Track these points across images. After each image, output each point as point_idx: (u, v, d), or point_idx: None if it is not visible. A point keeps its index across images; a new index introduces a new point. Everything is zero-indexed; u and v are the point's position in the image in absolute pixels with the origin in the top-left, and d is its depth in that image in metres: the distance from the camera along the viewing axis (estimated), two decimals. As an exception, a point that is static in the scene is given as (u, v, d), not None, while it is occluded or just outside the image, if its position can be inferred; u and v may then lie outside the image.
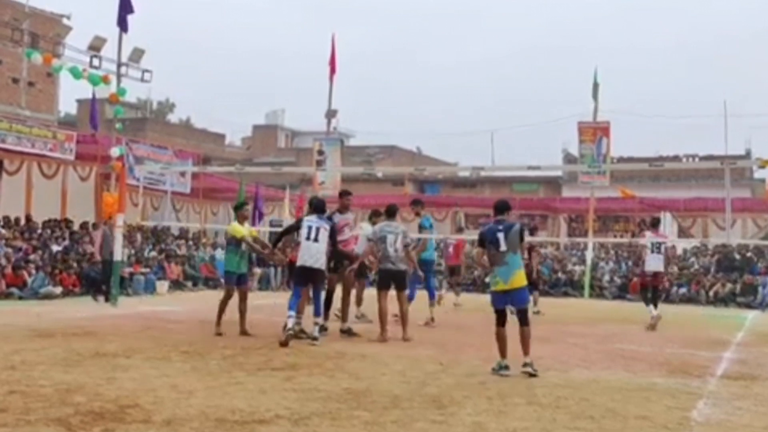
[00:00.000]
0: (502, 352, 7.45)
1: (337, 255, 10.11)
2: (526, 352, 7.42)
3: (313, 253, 9.28)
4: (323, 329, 9.87)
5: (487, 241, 7.60)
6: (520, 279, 7.52)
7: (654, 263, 13.22)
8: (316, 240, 9.29)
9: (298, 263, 9.45)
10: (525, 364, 7.36)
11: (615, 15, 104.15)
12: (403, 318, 10.00)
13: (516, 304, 7.61)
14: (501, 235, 7.47)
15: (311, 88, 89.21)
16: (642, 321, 13.87)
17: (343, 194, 10.88)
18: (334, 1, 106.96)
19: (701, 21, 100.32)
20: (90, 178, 22.25)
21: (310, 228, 9.33)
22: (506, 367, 7.35)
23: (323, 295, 9.65)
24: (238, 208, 10.59)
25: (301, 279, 9.44)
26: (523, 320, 7.55)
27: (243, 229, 10.03)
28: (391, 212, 10.40)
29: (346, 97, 77.94)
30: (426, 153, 50.22)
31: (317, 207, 9.73)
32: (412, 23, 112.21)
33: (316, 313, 9.34)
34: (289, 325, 8.98)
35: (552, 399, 6.28)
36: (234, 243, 10.05)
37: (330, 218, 9.85)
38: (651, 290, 13.30)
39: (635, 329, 12.77)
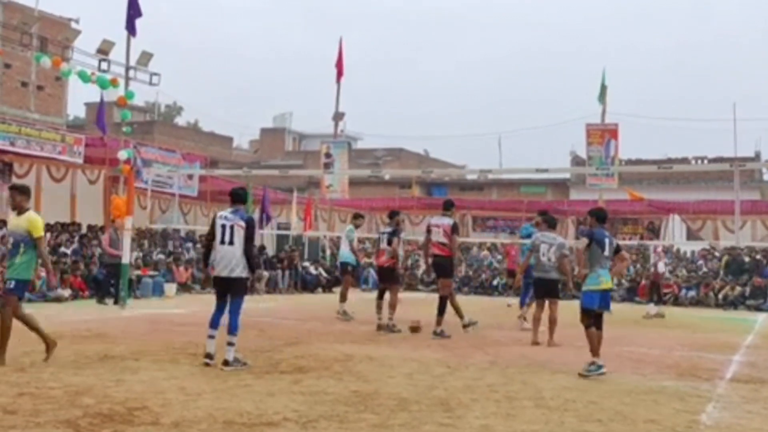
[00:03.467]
0: (595, 351, 7.93)
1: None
2: (595, 353, 7.91)
3: (227, 260, 7.52)
4: (441, 333, 10.39)
5: (596, 242, 8.16)
6: (610, 282, 8.26)
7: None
8: (231, 243, 7.51)
9: (213, 273, 7.71)
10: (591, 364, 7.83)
11: (621, 16, 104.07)
12: (551, 324, 10.30)
13: (604, 306, 8.10)
14: (607, 241, 8.22)
15: (319, 91, 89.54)
16: (651, 324, 13.84)
17: (449, 205, 11.26)
18: (340, 5, 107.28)
19: (705, 21, 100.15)
20: (99, 181, 22.32)
21: (223, 227, 7.55)
22: (600, 367, 7.77)
23: (242, 307, 7.74)
24: None
25: (219, 290, 7.74)
26: (599, 324, 8.06)
27: (13, 219, 7.63)
28: (551, 224, 10.88)
29: (353, 100, 78.23)
30: (433, 156, 50.22)
31: (235, 196, 7.82)
32: (416, 26, 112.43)
33: (230, 330, 7.50)
34: (207, 349, 7.55)
35: (560, 402, 6.26)
36: None
37: (249, 215, 8.01)
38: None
39: (644, 332, 12.72)
